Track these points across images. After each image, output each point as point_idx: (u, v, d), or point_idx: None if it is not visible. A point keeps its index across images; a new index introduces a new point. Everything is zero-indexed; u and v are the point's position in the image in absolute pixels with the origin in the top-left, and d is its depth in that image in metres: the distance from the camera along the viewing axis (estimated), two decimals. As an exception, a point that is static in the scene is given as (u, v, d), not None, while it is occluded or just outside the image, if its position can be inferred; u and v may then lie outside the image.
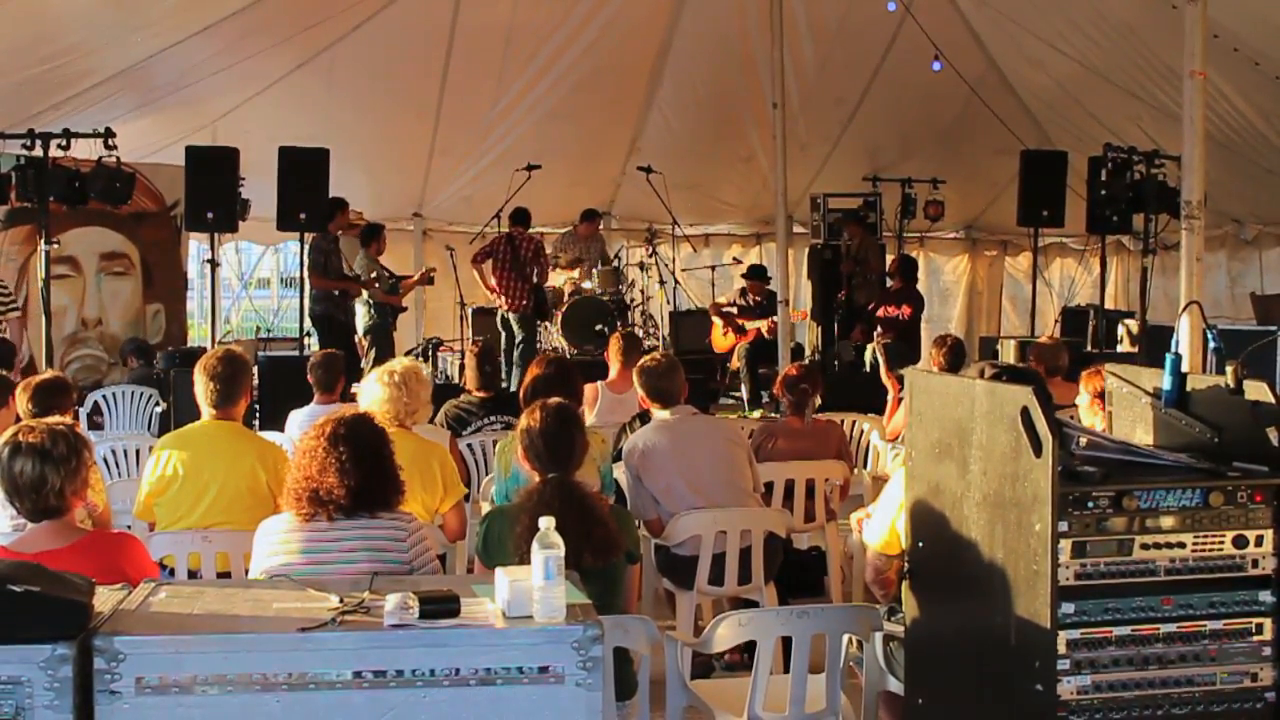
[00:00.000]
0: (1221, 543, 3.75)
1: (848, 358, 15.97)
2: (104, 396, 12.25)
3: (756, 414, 14.03)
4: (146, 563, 4.75)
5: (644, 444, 6.91)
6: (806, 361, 14.31)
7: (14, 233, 13.82)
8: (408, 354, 14.47)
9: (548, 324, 15.99)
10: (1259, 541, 3.76)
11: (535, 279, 14.93)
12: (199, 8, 12.63)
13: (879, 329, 14.54)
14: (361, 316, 14.53)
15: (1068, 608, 3.66)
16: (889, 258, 16.94)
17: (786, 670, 5.04)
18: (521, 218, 14.97)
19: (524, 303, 14.79)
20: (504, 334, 15.01)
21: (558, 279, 16.62)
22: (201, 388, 6.45)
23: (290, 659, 3.39)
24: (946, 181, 17.55)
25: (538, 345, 15.68)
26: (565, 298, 15.89)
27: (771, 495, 7.62)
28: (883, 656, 5.20)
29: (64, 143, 11.94)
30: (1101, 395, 6.54)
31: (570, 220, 17.16)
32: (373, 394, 6.67)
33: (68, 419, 5.03)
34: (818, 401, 8.40)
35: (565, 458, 5.18)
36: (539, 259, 14.94)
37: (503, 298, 14.85)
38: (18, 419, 6.72)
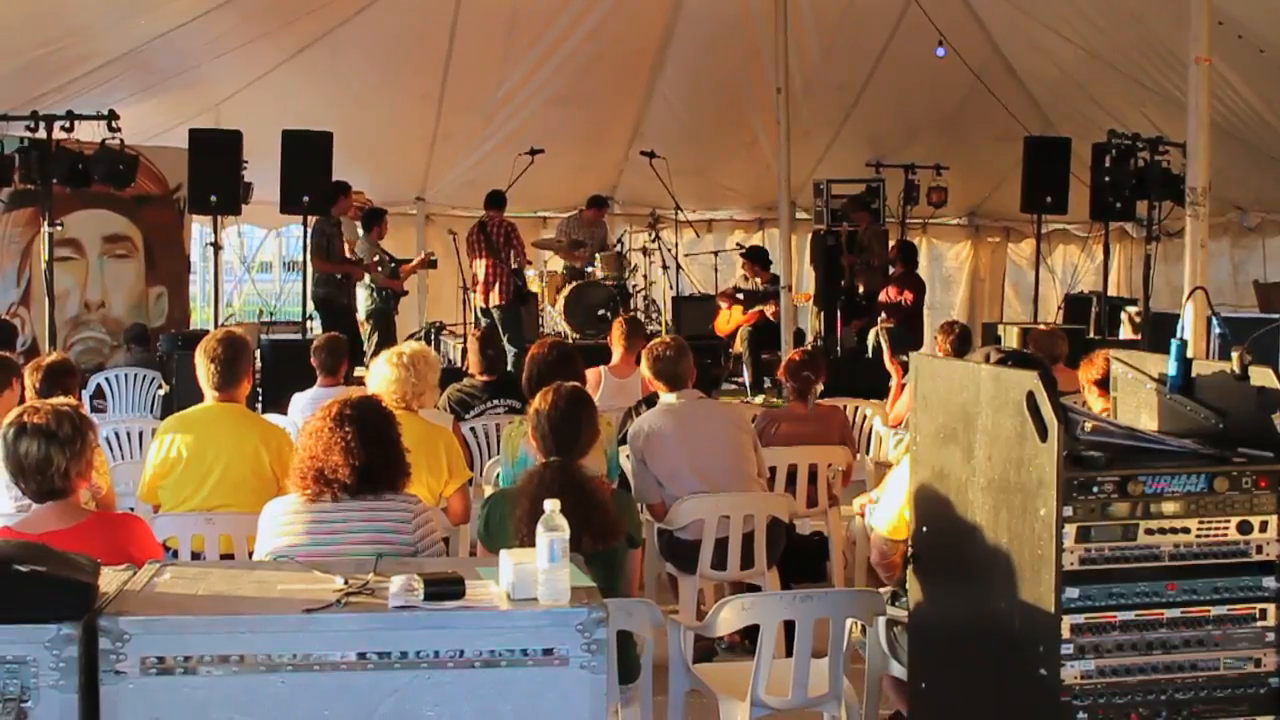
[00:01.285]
0: (1226, 528, 3.75)
1: (850, 343, 15.97)
2: (107, 379, 12.25)
3: (759, 399, 14.03)
4: (151, 544, 4.76)
5: (649, 428, 6.92)
6: (809, 347, 14.29)
7: (17, 215, 13.81)
8: (410, 338, 14.47)
9: (548, 306, 16.00)
10: (1263, 527, 3.76)
11: (513, 263, 14.81)
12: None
13: (882, 314, 14.55)
14: (363, 301, 14.53)
15: (1072, 592, 3.66)
16: (890, 243, 16.94)
17: (789, 654, 5.05)
18: (496, 201, 14.84)
19: (500, 285, 14.63)
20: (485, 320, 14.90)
21: (557, 263, 16.61)
22: (203, 370, 6.45)
23: (295, 640, 3.39)
24: (950, 168, 17.56)
25: (540, 330, 15.68)
26: (566, 281, 15.89)
27: (774, 480, 7.63)
28: (886, 641, 5.21)
29: (68, 125, 11.91)
30: (1097, 381, 6.56)
31: (573, 205, 17.16)
32: (381, 375, 6.69)
33: (73, 400, 5.04)
34: (819, 388, 8.41)
35: (570, 443, 5.19)
36: (512, 242, 14.81)
37: (479, 289, 14.75)
38: (21, 400, 6.74)
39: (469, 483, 6.82)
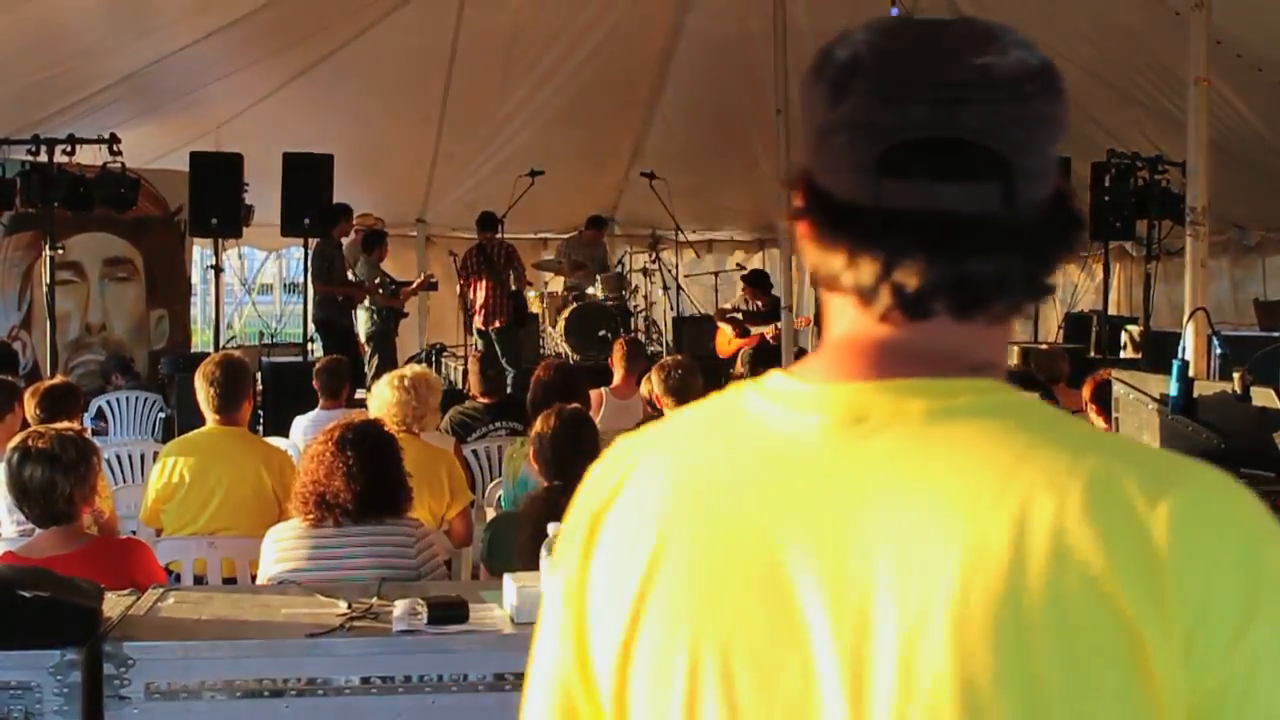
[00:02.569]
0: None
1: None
2: (108, 402, 12.25)
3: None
4: (154, 568, 4.76)
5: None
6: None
7: (18, 238, 13.82)
8: (411, 360, 14.47)
9: (548, 327, 16.02)
10: (1266, 548, 3.75)
11: (513, 285, 14.90)
12: (203, 14, 12.66)
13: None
14: (363, 322, 14.53)
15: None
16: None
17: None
18: (490, 224, 14.91)
19: (500, 308, 14.73)
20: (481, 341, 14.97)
21: (558, 284, 16.62)
22: (202, 394, 6.45)
23: (299, 664, 3.40)
24: (950, 187, 17.54)
25: (540, 351, 15.70)
26: (567, 302, 15.90)
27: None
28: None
29: (69, 149, 11.95)
30: (1090, 400, 6.55)
31: (573, 226, 17.18)
32: (382, 398, 6.69)
33: (75, 425, 5.05)
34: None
35: (571, 466, 5.18)
36: (512, 263, 14.91)
37: (478, 312, 14.82)
38: (23, 424, 6.74)
39: (471, 505, 6.82)
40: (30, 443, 4.51)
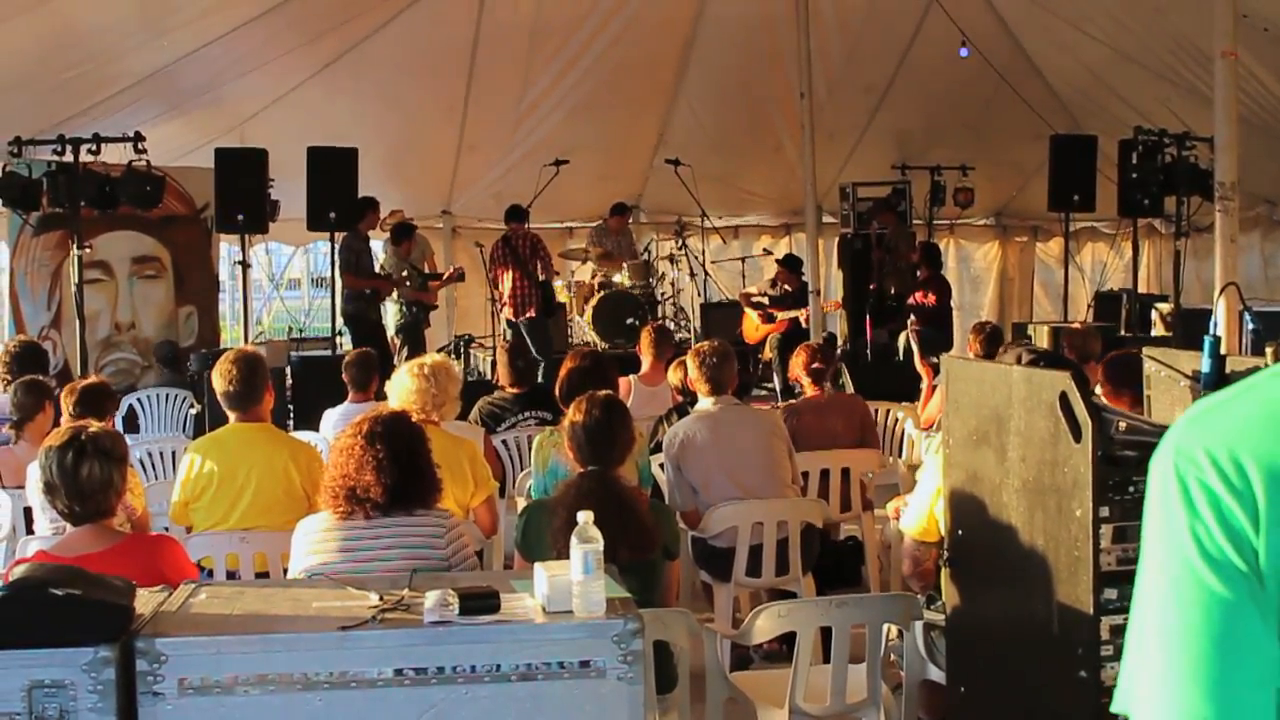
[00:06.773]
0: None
1: (880, 343, 15.92)
2: (138, 399, 12.30)
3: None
4: (185, 564, 4.76)
5: (684, 434, 6.91)
6: (813, 343, 14.26)
7: (46, 238, 13.87)
8: (439, 351, 14.49)
9: (576, 316, 16.02)
10: (1301, 523, 3.72)
11: (540, 275, 14.94)
12: (225, 11, 12.69)
13: (911, 317, 14.51)
14: (393, 315, 14.56)
15: (1110, 593, 3.63)
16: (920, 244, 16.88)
17: (826, 661, 5.03)
18: (517, 215, 14.92)
19: (529, 298, 14.78)
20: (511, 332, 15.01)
21: (585, 273, 16.62)
22: (221, 392, 6.42)
23: (331, 658, 3.39)
24: (975, 168, 17.47)
25: (569, 340, 15.69)
26: (594, 291, 15.89)
27: (807, 485, 7.61)
28: (923, 645, 5.18)
29: (94, 148, 11.99)
30: (1105, 380, 6.51)
31: (599, 214, 17.16)
32: (402, 385, 6.66)
33: (104, 423, 5.06)
34: (846, 378, 8.38)
35: (605, 452, 5.18)
36: (539, 253, 14.93)
37: (506, 303, 14.87)
38: (55, 422, 6.76)
39: (497, 493, 6.81)
40: (85, 439, 4.50)
